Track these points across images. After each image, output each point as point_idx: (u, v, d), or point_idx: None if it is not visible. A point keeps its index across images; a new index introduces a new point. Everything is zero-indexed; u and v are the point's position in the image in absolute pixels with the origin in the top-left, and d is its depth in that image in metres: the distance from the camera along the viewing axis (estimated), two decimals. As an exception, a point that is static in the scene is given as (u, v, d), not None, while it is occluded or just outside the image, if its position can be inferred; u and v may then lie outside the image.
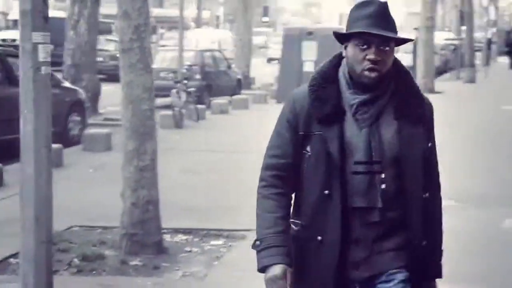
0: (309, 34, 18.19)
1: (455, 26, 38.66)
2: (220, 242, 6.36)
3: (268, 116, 15.46)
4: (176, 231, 6.52)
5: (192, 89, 13.88)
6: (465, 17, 28.74)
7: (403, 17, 76.97)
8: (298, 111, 2.42)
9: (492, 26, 47.05)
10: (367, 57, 2.34)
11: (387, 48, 2.35)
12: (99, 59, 17.63)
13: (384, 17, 2.35)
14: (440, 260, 2.54)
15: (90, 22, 14.15)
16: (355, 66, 2.38)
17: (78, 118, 11.57)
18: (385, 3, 2.39)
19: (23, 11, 4.76)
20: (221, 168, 9.60)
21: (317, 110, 2.40)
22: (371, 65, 2.34)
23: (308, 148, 2.40)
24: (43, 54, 4.81)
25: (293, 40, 18.14)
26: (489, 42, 40.19)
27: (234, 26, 24.27)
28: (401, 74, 2.44)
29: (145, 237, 5.94)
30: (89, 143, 10.50)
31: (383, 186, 2.36)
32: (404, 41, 2.45)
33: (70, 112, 11.32)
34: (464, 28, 29.06)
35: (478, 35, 38.74)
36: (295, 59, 17.96)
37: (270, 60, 37.34)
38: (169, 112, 13.13)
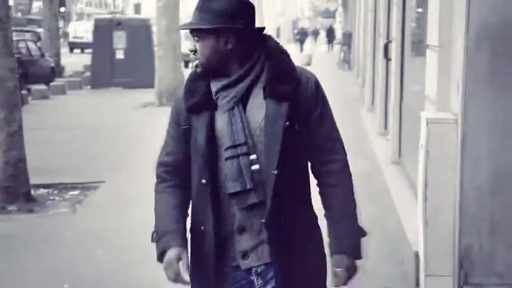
0: (118, 24, 19.67)
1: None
2: (76, 192, 7.88)
3: (85, 100, 17.08)
4: (37, 186, 7.92)
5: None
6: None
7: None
8: (179, 107, 2.45)
9: (280, 16, 51.06)
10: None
11: (197, 39, 2.37)
12: None
13: (201, 9, 2.36)
14: (347, 237, 2.41)
15: None
16: None
17: None
18: None
19: None
20: (60, 140, 11.03)
21: (187, 102, 2.41)
22: (191, 55, 2.39)
23: (191, 141, 2.42)
24: None
25: (104, 30, 19.51)
26: (278, 30, 43.90)
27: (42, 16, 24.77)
28: (274, 55, 2.40)
29: (17, 189, 7.34)
30: None
31: (255, 167, 2.33)
32: (225, 29, 2.35)
33: None
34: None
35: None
36: (106, 48, 19.36)
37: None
38: None
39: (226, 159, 2.35)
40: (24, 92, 15.67)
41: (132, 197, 7.44)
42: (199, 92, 2.41)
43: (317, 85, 2.43)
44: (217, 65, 2.39)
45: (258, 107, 2.37)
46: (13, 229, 6.41)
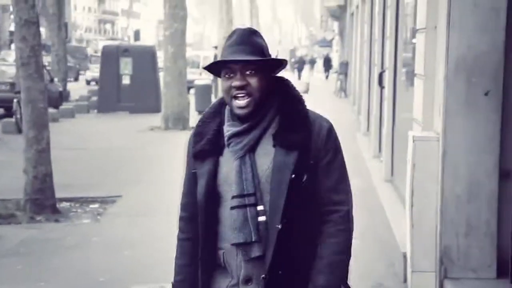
0: (125, 51, 20.53)
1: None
2: (96, 205, 8.61)
3: (93, 123, 17.87)
4: (60, 200, 8.65)
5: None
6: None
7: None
8: (189, 149, 2.40)
9: (277, 45, 52.17)
10: (232, 84, 2.26)
11: (251, 72, 2.26)
12: None
13: (246, 43, 2.27)
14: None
15: None
16: (226, 98, 2.30)
17: None
18: (248, 29, 2.33)
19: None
20: (74, 159, 11.77)
21: (194, 146, 2.35)
22: (237, 91, 2.25)
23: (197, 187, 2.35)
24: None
25: (111, 57, 20.36)
26: (276, 59, 44.73)
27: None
28: (289, 101, 2.33)
29: (44, 201, 8.07)
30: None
31: (261, 218, 2.25)
32: (274, 62, 2.32)
33: None
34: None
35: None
36: (113, 74, 20.18)
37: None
38: (11, 120, 14.89)
39: (232, 208, 2.27)
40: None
41: (147, 209, 8.19)
42: (207, 136, 2.35)
43: (330, 133, 2.33)
44: (260, 103, 2.29)
45: (265, 155, 2.29)
46: (44, 235, 7.14)
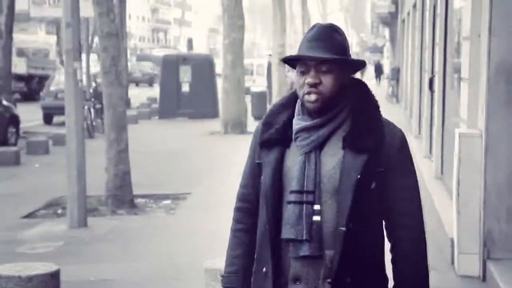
0: (184, 59, 21.50)
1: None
2: (169, 201, 9.45)
3: (156, 128, 18.82)
4: (135, 196, 9.50)
5: (98, 106, 16.66)
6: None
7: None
8: (255, 140, 2.40)
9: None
10: (306, 81, 2.25)
11: (325, 70, 2.23)
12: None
13: (324, 39, 2.24)
14: None
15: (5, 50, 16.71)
16: (298, 92, 2.29)
17: (14, 129, 14.18)
18: (328, 25, 2.29)
19: (67, 49, 7.78)
20: (142, 161, 12.66)
21: (262, 134, 2.35)
22: (309, 89, 2.24)
23: (262, 177, 2.33)
24: (79, 75, 7.84)
25: (171, 65, 21.34)
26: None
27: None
28: (362, 103, 2.30)
29: (124, 196, 8.94)
30: (31, 148, 13.23)
31: (316, 218, 2.22)
32: (354, 63, 2.30)
33: (9, 124, 13.93)
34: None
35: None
36: (173, 81, 21.16)
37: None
38: (82, 125, 15.94)
39: (289, 202, 2.26)
40: (100, 121, 17.46)
41: (215, 204, 8.96)
42: (277, 125, 2.34)
43: (402, 143, 2.31)
44: (333, 101, 2.27)
45: (332, 155, 2.26)
46: (126, 226, 8.00)
